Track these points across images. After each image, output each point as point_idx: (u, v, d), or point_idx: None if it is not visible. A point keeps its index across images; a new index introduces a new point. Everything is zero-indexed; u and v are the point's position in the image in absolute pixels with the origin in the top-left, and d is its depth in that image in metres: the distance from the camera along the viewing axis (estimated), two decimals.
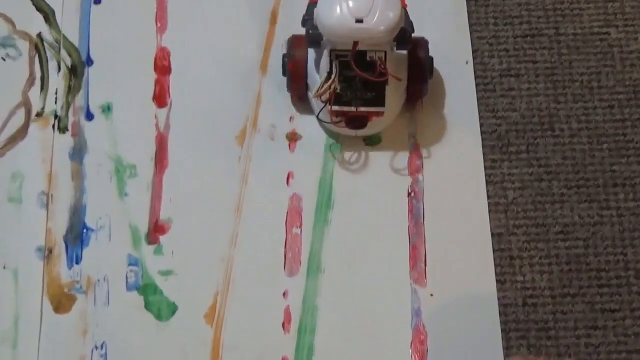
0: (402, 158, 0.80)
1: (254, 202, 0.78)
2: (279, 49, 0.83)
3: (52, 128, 0.81)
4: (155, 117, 0.81)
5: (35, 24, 0.84)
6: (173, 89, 0.82)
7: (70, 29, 0.84)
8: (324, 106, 0.78)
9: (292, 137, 0.81)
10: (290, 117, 0.82)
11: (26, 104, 0.81)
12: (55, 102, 0.81)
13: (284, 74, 0.81)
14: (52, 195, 0.78)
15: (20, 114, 0.81)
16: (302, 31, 0.79)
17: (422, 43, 0.81)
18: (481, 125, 0.81)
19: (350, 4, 0.74)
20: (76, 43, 0.83)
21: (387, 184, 0.79)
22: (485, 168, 0.79)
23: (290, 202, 0.78)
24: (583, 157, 0.80)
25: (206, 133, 0.81)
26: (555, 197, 0.78)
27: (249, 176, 0.79)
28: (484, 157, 0.79)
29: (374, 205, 0.78)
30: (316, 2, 0.76)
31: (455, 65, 0.83)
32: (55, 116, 0.81)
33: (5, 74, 0.82)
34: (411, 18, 0.78)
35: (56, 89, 0.82)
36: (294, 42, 0.81)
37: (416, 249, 0.77)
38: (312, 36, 0.77)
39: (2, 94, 0.81)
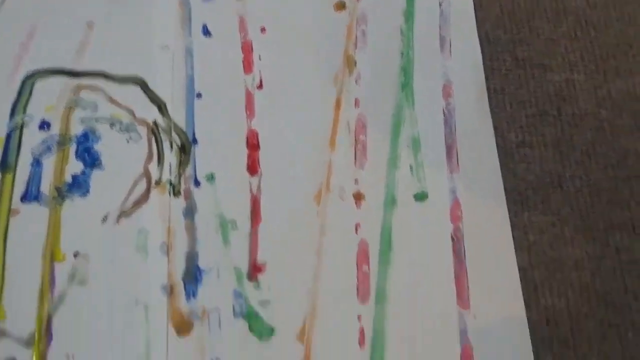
0: (445, 210, 1.01)
1: (330, 248, 0.99)
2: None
3: (168, 194, 1.00)
4: (249, 183, 1.01)
5: (151, 113, 1.05)
6: (262, 161, 1.02)
7: (178, 117, 1.04)
8: None
9: (358, 197, 1.02)
10: (355, 180, 1.03)
11: (147, 175, 1.02)
12: (170, 173, 1.01)
13: None
14: (171, 245, 0.99)
15: (143, 183, 1.01)
16: None
17: None
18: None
19: None
20: (184, 127, 1.03)
21: (434, 231, 1.00)
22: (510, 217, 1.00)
23: (358, 247, 0.99)
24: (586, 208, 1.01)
25: (290, 195, 1.01)
26: (566, 239, 0.99)
27: (325, 228, 1.00)
28: (508, 209, 1.01)
29: (425, 246, 0.99)
30: None
31: None
32: (170, 184, 1.01)
33: (129, 153, 1.02)
34: None
35: (170, 163, 1.01)
36: None
37: (460, 280, 0.97)
38: None
39: (128, 168, 1.01)
